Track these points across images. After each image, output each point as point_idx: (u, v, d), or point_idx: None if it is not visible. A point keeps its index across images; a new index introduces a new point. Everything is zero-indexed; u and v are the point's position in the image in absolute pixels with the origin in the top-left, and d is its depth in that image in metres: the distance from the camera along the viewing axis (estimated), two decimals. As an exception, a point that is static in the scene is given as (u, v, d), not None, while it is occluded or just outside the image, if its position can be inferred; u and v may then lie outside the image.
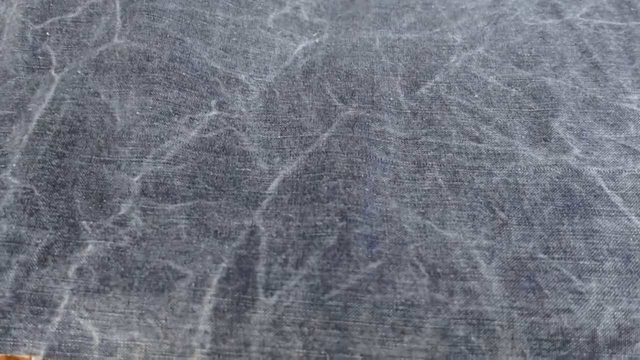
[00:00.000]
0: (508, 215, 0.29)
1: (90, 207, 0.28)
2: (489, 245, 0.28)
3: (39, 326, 0.25)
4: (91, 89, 0.33)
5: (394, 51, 0.37)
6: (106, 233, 0.27)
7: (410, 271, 0.26)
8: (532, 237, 0.28)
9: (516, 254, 0.27)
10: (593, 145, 0.32)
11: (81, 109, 0.32)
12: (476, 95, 0.34)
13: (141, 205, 0.28)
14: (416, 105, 0.34)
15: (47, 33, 0.36)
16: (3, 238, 0.27)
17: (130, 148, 0.30)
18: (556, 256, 0.27)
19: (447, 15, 0.40)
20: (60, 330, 0.25)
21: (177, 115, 0.32)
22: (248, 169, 0.30)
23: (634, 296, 0.26)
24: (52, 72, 0.34)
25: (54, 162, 0.29)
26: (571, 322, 0.25)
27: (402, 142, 0.32)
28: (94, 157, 0.30)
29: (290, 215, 0.28)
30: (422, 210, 0.29)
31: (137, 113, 0.32)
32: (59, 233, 0.27)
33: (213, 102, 0.33)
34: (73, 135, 0.31)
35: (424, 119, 0.33)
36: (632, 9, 0.39)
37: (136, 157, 0.30)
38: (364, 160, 0.31)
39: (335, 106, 0.33)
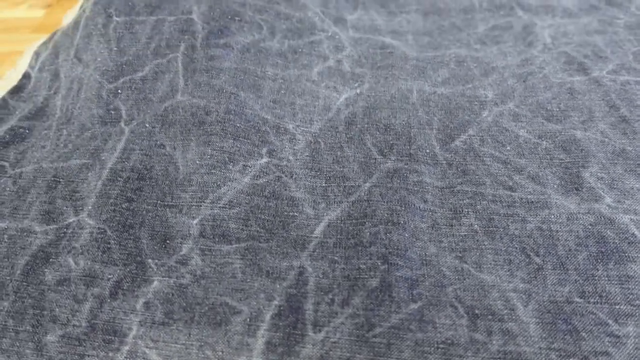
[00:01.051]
0: (543, 260, 0.30)
1: (155, 247, 0.31)
2: (526, 289, 0.29)
3: (110, 354, 0.27)
4: (158, 142, 0.36)
5: (430, 105, 0.40)
6: (170, 271, 0.30)
7: (449, 312, 0.28)
8: (567, 282, 0.29)
9: (552, 298, 0.28)
10: (624, 195, 0.33)
11: (148, 159, 0.35)
12: (508, 148, 0.36)
13: (200, 246, 0.31)
14: (451, 156, 0.36)
15: (119, 90, 0.40)
16: (80, 273, 0.30)
17: (190, 193, 0.33)
18: (592, 300, 0.28)
19: (478, 73, 0.42)
20: (128, 359, 0.27)
21: (232, 163, 0.35)
22: (295, 214, 0.33)
23: None
24: (122, 124, 0.38)
25: (124, 206, 0.33)
26: (609, 364, 0.26)
27: (439, 190, 0.34)
28: (159, 202, 0.33)
29: (335, 258, 0.30)
30: (460, 255, 0.31)
31: (197, 162, 0.35)
32: (128, 269, 0.30)
33: (264, 150, 0.36)
34: (141, 182, 0.34)
35: (459, 169, 0.35)
36: None
37: (196, 202, 0.33)
38: (403, 208, 0.32)
39: (375, 159, 0.36)
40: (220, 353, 0.27)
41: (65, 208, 0.33)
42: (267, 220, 0.32)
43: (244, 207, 0.33)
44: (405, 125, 0.38)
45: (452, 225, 0.32)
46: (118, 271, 0.30)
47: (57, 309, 0.28)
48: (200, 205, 0.33)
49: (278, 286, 0.29)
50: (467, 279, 0.29)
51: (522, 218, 0.32)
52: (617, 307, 0.27)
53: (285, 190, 0.34)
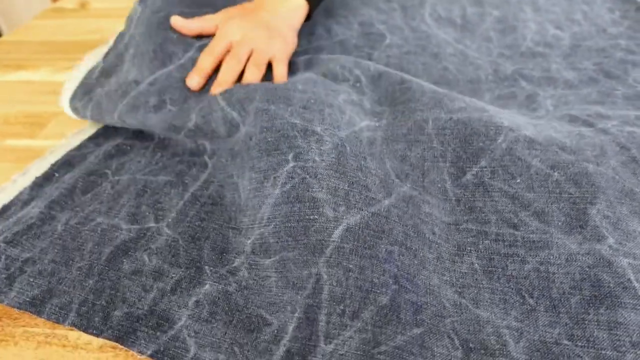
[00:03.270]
0: (536, 302, 0.31)
1: (213, 257, 0.36)
2: (518, 327, 0.30)
3: (157, 334, 0.32)
4: (229, 173, 0.42)
5: (445, 133, 0.40)
6: (220, 278, 0.35)
7: (446, 342, 0.29)
8: (558, 324, 0.30)
9: (542, 338, 0.30)
10: (627, 237, 0.34)
11: (222, 189, 0.41)
12: (518, 180, 0.37)
13: (249, 261, 0.35)
14: (461, 192, 0.38)
15: (192, 135, 0.46)
16: (151, 268, 0.35)
17: (248, 217, 0.38)
18: (579, 344, 0.29)
19: (493, 111, 0.43)
20: (170, 341, 0.31)
21: (266, 180, 0.37)
22: (315, 216, 0.34)
23: None
24: (206, 157, 0.45)
25: (196, 223, 0.39)
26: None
27: (445, 226, 0.36)
28: (224, 224, 0.39)
29: (350, 266, 0.32)
30: (459, 290, 0.32)
31: (248, 188, 0.39)
32: (188, 272, 0.35)
33: (290, 155, 0.38)
34: (213, 207, 0.40)
35: (467, 206, 0.37)
36: None
37: (250, 225, 0.37)
38: (415, 236, 0.34)
39: (393, 180, 0.37)
40: (247, 352, 0.30)
41: (147, 214, 0.40)
42: (292, 227, 0.34)
43: (277, 219, 0.35)
44: (420, 158, 0.40)
45: (454, 262, 0.34)
46: (180, 272, 0.35)
47: (127, 293, 0.34)
48: (253, 227, 0.37)
49: (299, 297, 0.32)
50: (464, 313, 0.31)
51: (522, 258, 0.34)
52: (603, 352, 0.29)
53: (308, 191, 0.35)
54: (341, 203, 0.34)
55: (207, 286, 0.34)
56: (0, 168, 0.48)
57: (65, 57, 0.68)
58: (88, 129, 0.51)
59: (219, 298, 0.33)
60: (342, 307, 0.30)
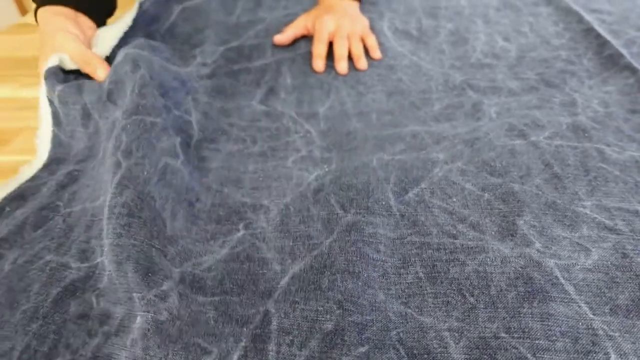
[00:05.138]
0: (476, 300, 0.33)
1: (137, 280, 0.33)
2: (459, 327, 0.32)
3: None
4: (151, 193, 0.39)
5: (388, 167, 0.44)
6: (149, 304, 0.32)
7: (392, 354, 0.30)
8: (496, 319, 0.32)
9: (482, 334, 0.31)
10: (552, 241, 0.36)
11: (140, 202, 0.38)
12: (454, 199, 0.40)
13: (179, 290, 0.34)
14: (404, 208, 0.40)
15: (128, 125, 0.43)
16: (99, 312, 0.33)
17: (177, 249, 0.37)
18: (515, 335, 0.31)
19: (431, 142, 0.48)
20: None
21: (213, 240, 0.39)
22: (265, 271, 0.36)
23: None
24: (119, 155, 0.40)
25: (115, 242, 0.35)
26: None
27: (391, 241, 0.38)
28: (145, 240, 0.36)
29: (296, 299, 0.33)
30: (405, 300, 0.34)
31: (184, 233, 0.39)
32: (126, 307, 0.33)
33: (241, 225, 0.40)
34: (130, 219, 0.36)
35: (410, 220, 0.39)
36: (586, 135, 0.46)
37: (179, 259, 0.37)
38: (358, 259, 0.36)
39: (337, 214, 0.39)
40: None
41: (96, 247, 0.38)
42: (240, 279, 0.36)
43: (220, 271, 0.36)
44: (366, 182, 0.42)
45: (400, 274, 0.36)
46: (122, 310, 0.33)
47: (72, 339, 0.32)
48: (183, 263, 0.37)
49: (245, 329, 0.32)
50: (409, 323, 0.32)
51: (462, 262, 0.36)
52: (537, 342, 0.30)
53: (258, 253, 0.38)
54: (287, 258, 0.37)
55: (138, 319, 0.32)
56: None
57: (30, 73, 0.66)
58: (41, 157, 0.49)
59: (149, 330, 0.31)
60: (290, 338, 0.31)
